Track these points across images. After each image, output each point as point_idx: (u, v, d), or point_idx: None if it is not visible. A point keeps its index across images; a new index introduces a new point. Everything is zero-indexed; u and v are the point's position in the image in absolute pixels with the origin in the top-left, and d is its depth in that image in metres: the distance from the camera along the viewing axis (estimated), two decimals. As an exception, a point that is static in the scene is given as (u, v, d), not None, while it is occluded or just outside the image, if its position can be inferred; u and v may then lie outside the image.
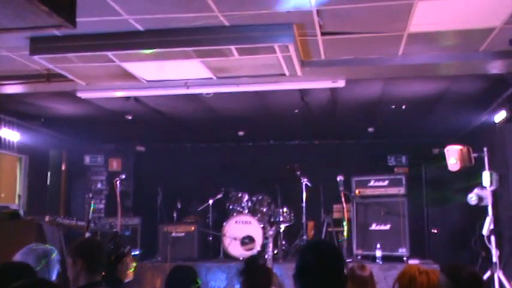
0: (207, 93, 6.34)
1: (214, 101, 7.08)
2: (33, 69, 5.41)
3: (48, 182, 9.56)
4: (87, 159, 10.43)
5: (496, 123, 7.32)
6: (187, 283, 3.75)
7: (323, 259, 2.06)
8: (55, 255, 3.30)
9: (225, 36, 4.43)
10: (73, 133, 9.50)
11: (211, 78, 5.36)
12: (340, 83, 5.93)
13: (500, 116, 7.13)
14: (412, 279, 2.73)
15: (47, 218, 6.70)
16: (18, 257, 3.17)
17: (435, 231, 8.62)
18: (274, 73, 5.25)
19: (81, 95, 6.30)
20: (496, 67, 5.37)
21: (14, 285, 1.68)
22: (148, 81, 5.47)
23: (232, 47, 4.50)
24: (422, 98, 7.09)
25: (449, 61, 5.28)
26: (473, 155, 6.49)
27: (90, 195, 7.94)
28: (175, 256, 8.17)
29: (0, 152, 7.85)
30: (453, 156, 6.46)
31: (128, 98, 6.80)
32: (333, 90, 6.64)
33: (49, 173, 9.62)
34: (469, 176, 7.23)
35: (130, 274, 3.67)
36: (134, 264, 4.04)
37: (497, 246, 6.23)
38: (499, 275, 6.08)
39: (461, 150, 6.44)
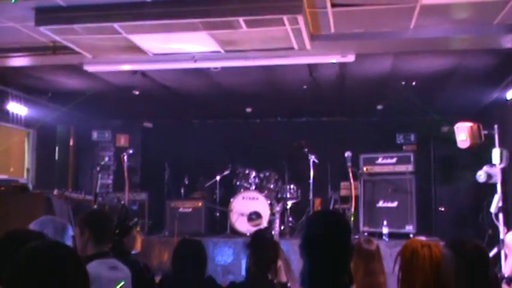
0: (214, 68, 6.28)
1: (222, 76, 7.02)
2: (39, 41, 5.36)
3: (56, 157, 9.59)
4: (94, 135, 10.45)
5: (507, 100, 7.22)
6: (194, 256, 3.76)
7: (330, 228, 2.03)
8: (70, 231, 3.29)
9: (233, 7, 4.35)
10: (80, 108, 9.47)
11: (219, 52, 5.29)
12: (350, 58, 5.85)
13: (512, 93, 7.03)
14: (414, 253, 2.70)
15: (55, 192, 6.73)
16: (35, 225, 3.15)
17: (442, 209, 8.58)
18: (282, 47, 5.17)
19: (88, 68, 6.25)
20: (510, 41, 5.26)
21: (31, 245, 1.65)
22: (155, 54, 5.40)
23: (241, 19, 4.42)
24: (433, 74, 6.99)
25: (462, 35, 5.17)
26: (484, 132, 6.41)
27: (98, 169, 7.94)
28: (182, 231, 8.20)
29: (8, 126, 7.87)
30: (463, 133, 6.38)
31: (134, 72, 6.76)
32: (342, 65, 6.55)
33: (57, 148, 9.64)
34: (478, 153, 7.16)
35: (138, 246, 3.68)
36: (141, 237, 4.04)
37: (505, 223, 6.19)
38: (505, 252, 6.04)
39: (471, 127, 6.36)
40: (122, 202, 7.71)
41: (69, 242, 3.22)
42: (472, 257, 2.48)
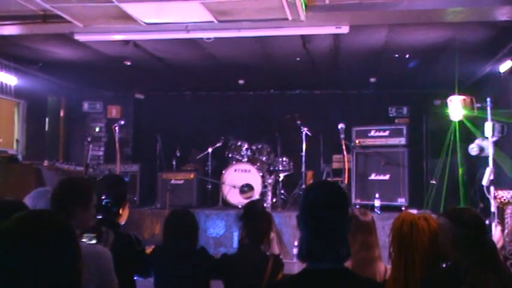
0: (207, 38, 6.20)
1: (215, 47, 6.94)
2: (29, 9, 5.24)
3: (46, 128, 9.51)
4: (85, 106, 10.37)
5: (501, 73, 7.21)
6: (186, 227, 3.75)
7: (328, 198, 2.01)
8: None
9: (226, -24, 4.27)
10: (71, 79, 9.38)
11: (212, 22, 5.20)
12: (344, 29, 5.78)
13: (505, 66, 7.01)
14: (413, 225, 2.68)
15: (45, 163, 6.69)
16: (28, 200, 3.10)
17: (434, 181, 8.62)
18: (276, 17, 5.10)
19: (79, 37, 6.14)
20: (504, 13, 5.22)
21: (17, 215, 1.61)
22: (147, 23, 5.30)
23: (234, -12, 4.35)
24: (426, 46, 6.95)
25: (457, 7, 5.12)
26: (477, 105, 6.41)
27: (89, 139, 7.88)
28: (174, 203, 8.20)
29: (-3, 97, 7.78)
30: (456, 105, 6.38)
31: (126, 42, 6.67)
32: (335, 37, 6.50)
33: (47, 119, 9.56)
34: (471, 126, 7.17)
35: (124, 218, 3.64)
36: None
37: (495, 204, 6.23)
38: (496, 225, 6.10)
39: (464, 100, 6.36)
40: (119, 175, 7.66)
41: None
42: (470, 225, 2.50)
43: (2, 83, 7.51)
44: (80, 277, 1.61)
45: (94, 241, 2.97)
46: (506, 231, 4.31)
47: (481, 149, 6.33)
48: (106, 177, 4.26)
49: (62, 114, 10.24)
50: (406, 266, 2.63)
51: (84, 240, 2.94)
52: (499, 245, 4.17)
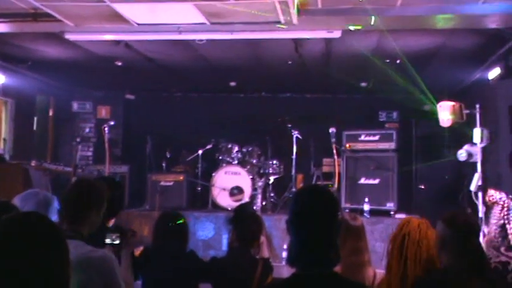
0: (199, 40, 6.19)
1: (207, 49, 6.92)
2: (19, 7, 5.19)
3: (34, 127, 9.43)
4: (75, 106, 10.31)
5: (489, 80, 7.27)
6: (175, 229, 3.74)
7: (319, 204, 2.02)
8: (55, 204, 3.18)
9: (220, -22, 4.27)
10: (61, 78, 9.31)
11: (204, 24, 5.20)
12: (336, 34, 5.82)
13: (494, 73, 7.07)
14: (421, 229, 2.76)
15: (33, 163, 6.63)
16: (16, 201, 3.06)
17: (422, 186, 8.67)
18: (269, 20, 5.10)
19: (70, 36, 6.10)
20: (494, 21, 5.27)
21: (5, 217, 1.59)
22: (139, 24, 5.29)
23: (228, -10, 4.35)
24: (417, 52, 6.99)
25: (448, 13, 5.17)
26: (465, 111, 6.45)
27: (78, 140, 7.83)
28: (163, 205, 8.17)
29: (-15, 95, 7.71)
30: (445, 111, 6.42)
31: (118, 42, 6.62)
32: (327, 41, 6.52)
33: (36, 118, 9.48)
34: (460, 132, 7.22)
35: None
36: None
37: (484, 202, 6.28)
38: (484, 230, 6.14)
39: (453, 106, 6.38)
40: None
41: (54, 215, 3.13)
42: (460, 227, 2.59)
43: (-10, 81, 7.44)
44: (68, 281, 1.59)
45: (118, 241, 2.94)
46: (493, 228, 4.36)
47: (470, 155, 6.38)
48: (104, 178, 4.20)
49: (51, 113, 10.15)
50: (405, 268, 2.69)
51: (107, 240, 2.90)
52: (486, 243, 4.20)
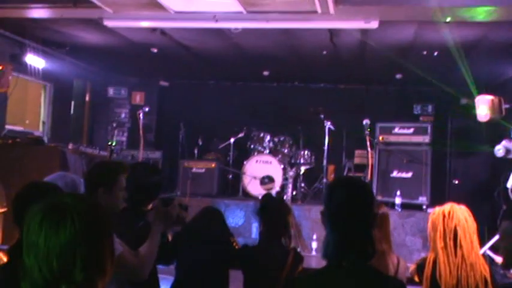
0: (235, 28, 6.20)
1: (242, 37, 6.93)
2: (60, -7, 5.31)
3: (71, 111, 9.63)
4: (110, 91, 10.46)
5: (531, 74, 7.09)
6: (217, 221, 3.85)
7: (356, 197, 2.01)
8: (82, 188, 3.22)
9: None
10: (97, 64, 9.46)
11: (240, 13, 5.21)
12: (373, 24, 5.73)
13: (536, 68, 6.88)
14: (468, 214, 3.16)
15: (70, 146, 6.76)
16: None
17: (456, 181, 8.53)
18: (306, 10, 5.08)
19: (108, 23, 6.18)
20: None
21: (48, 199, 1.62)
22: (176, 12, 5.34)
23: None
24: (456, 44, 6.83)
25: (488, 5, 5.04)
26: (505, 106, 6.31)
27: (114, 124, 7.95)
28: (194, 191, 8.26)
29: (25, 79, 7.88)
30: (483, 106, 6.29)
31: (154, 30, 6.68)
32: (363, 32, 6.43)
33: (73, 102, 9.67)
34: (497, 127, 7.07)
35: None
36: None
37: (521, 200, 6.15)
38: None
39: (492, 100, 6.26)
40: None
41: None
42: None
43: (30, 65, 7.60)
44: (111, 261, 1.61)
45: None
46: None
47: (507, 151, 6.25)
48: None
49: (87, 98, 10.34)
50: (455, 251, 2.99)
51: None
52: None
